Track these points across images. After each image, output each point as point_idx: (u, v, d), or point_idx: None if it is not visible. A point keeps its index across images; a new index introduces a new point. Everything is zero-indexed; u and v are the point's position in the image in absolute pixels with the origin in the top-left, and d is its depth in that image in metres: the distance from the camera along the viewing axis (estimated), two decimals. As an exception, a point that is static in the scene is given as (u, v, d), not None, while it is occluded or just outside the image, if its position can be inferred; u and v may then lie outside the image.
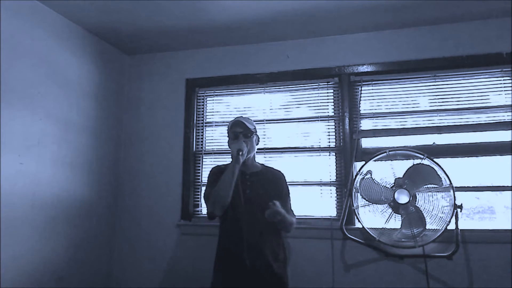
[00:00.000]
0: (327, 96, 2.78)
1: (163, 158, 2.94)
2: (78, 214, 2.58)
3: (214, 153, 2.92)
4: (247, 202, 1.94)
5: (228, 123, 2.91)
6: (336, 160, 2.67)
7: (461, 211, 2.21)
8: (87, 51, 2.72)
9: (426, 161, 2.28)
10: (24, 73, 2.21)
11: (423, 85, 2.61)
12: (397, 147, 2.44)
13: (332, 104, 2.75)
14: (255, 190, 2.00)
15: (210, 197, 1.99)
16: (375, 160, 2.38)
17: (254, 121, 2.84)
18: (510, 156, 2.37)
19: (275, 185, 2.07)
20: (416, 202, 2.22)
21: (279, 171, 2.18)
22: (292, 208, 2.12)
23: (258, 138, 2.15)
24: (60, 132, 2.45)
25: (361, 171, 2.36)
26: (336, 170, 2.65)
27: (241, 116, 2.14)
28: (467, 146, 2.45)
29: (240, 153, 1.93)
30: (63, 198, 2.45)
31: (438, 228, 2.20)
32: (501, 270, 2.25)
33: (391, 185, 2.27)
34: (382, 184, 2.28)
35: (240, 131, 2.04)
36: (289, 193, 2.14)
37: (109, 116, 2.93)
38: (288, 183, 2.17)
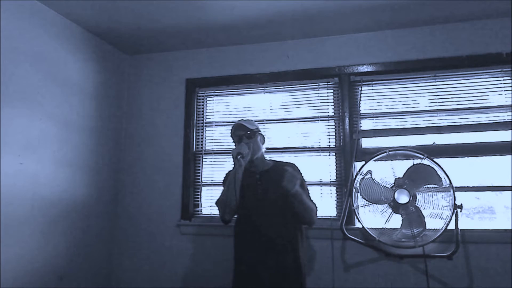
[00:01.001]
0: (327, 96, 2.78)
1: (163, 158, 2.94)
2: (78, 214, 2.58)
3: (214, 153, 2.92)
4: (259, 201, 1.93)
5: (228, 124, 2.94)
6: (336, 160, 2.67)
7: (461, 211, 2.21)
8: (87, 51, 2.72)
9: (426, 161, 2.28)
10: (24, 73, 2.21)
11: (423, 85, 2.61)
12: (397, 147, 2.45)
13: (332, 104, 2.75)
14: (266, 188, 2.00)
15: (218, 202, 2.04)
16: (375, 160, 2.38)
17: (254, 121, 2.86)
18: (510, 156, 2.37)
19: None
20: (416, 202, 2.22)
21: (291, 164, 2.13)
22: (310, 198, 2.05)
23: (263, 137, 2.14)
24: (60, 132, 2.45)
25: (361, 171, 2.36)
26: (336, 170, 2.65)
27: (242, 119, 2.14)
28: (467, 146, 2.45)
29: (239, 156, 1.93)
30: (63, 198, 2.45)
31: (438, 228, 2.20)
32: (501, 270, 2.25)
33: (391, 185, 2.27)
34: (382, 184, 2.28)
35: (242, 133, 2.04)
36: (304, 184, 2.06)
37: (109, 116, 2.93)
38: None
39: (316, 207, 2.04)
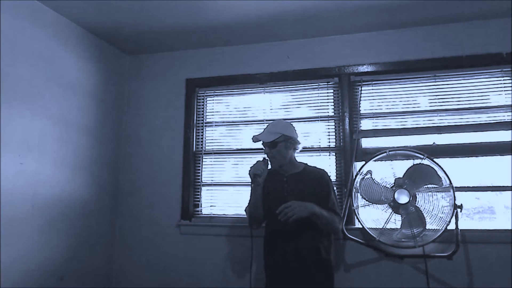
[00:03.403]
0: (327, 96, 2.77)
1: (163, 158, 2.94)
2: (78, 214, 2.57)
3: (214, 153, 2.91)
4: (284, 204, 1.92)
5: (228, 124, 2.94)
6: (336, 160, 2.67)
7: (461, 211, 2.21)
8: (87, 51, 2.72)
9: (426, 161, 2.28)
10: (24, 73, 2.21)
11: (423, 85, 2.61)
12: (397, 147, 2.44)
13: (332, 104, 2.75)
14: (292, 192, 2.01)
15: (246, 212, 2.12)
16: (375, 160, 2.38)
17: (254, 121, 2.85)
18: (510, 156, 2.37)
19: (313, 184, 2.04)
20: (416, 202, 2.22)
21: (321, 170, 2.14)
22: (334, 206, 2.05)
23: (293, 141, 2.07)
24: (60, 132, 2.45)
25: (361, 171, 2.36)
26: (336, 170, 2.65)
27: (270, 124, 2.14)
28: (467, 146, 2.45)
29: (257, 178, 1.99)
30: (63, 198, 2.45)
31: (438, 228, 2.20)
32: (501, 270, 2.25)
33: (391, 185, 2.27)
34: (382, 184, 2.28)
35: (265, 144, 2.05)
36: (331, 192, 2.07)
37: (109, 116, 2.92)
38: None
39: (340, 215, 2.08)
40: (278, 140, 2.02)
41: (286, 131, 2.06)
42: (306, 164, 2.17)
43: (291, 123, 2.18)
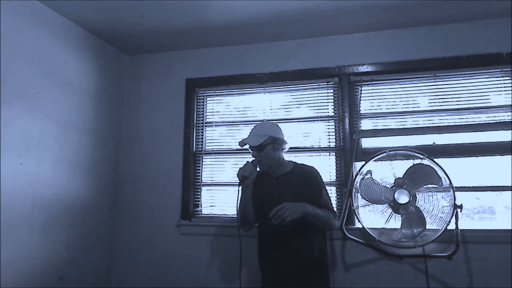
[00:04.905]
0: (327, 96, 2.77)
1: (163, 158, 2.94)
2: (78, 214, 2.57)
3: (214, 153, 2.92)
4: (275, 204, 1.91)
5: (228, 124, 2.93)
6: (336, 160, 2.67)
7: (461, 211, 2.21)
8: (87, 51, 2.72)
9: (426, 161, 2.28)
10: (24, 73, 2.21)
11: (423, 85, 2.61)
12: (397, 147, 2.44)
13: (332, 104, 2.75)
14: (282, 192, 2.00)
15: (237, 214, 2.08)
16: (375, 160, 2.38)
17: (254, 121, 2.85)
18: (510, 156, 2.37)
19: (304, 182, 2.04)
20: (416, 202, 2.22)
21: (311, 167, 2.13)
22: (327, 203, 2.05)
23: (280, 142, 2.06)
24: (60, 132, 2.45)
25: (361, 171, 2.36)
26: (336, 170, 2.65)
27: (254, 127, 2.12)
28: (467, 146, 2.45)
29: (245, 180, 1.99)
30: (63, 198, 2.45)
31: (438, 228, 2.20)
32: (501, 270, 2.25)
33: (391, 185, 2.27)
34: (382, 184, 2.28)
35: (253, 148, 2.04)
36: (322, 188, 2.08)
37: (109, 116, 2.92)
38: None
39: (334, 211, 2.07)
40: (266, 143, 2.01)
41: (273, 132, 2.06)
42: (295, 162, 2.16)
43: (277, 123, 2.18)
